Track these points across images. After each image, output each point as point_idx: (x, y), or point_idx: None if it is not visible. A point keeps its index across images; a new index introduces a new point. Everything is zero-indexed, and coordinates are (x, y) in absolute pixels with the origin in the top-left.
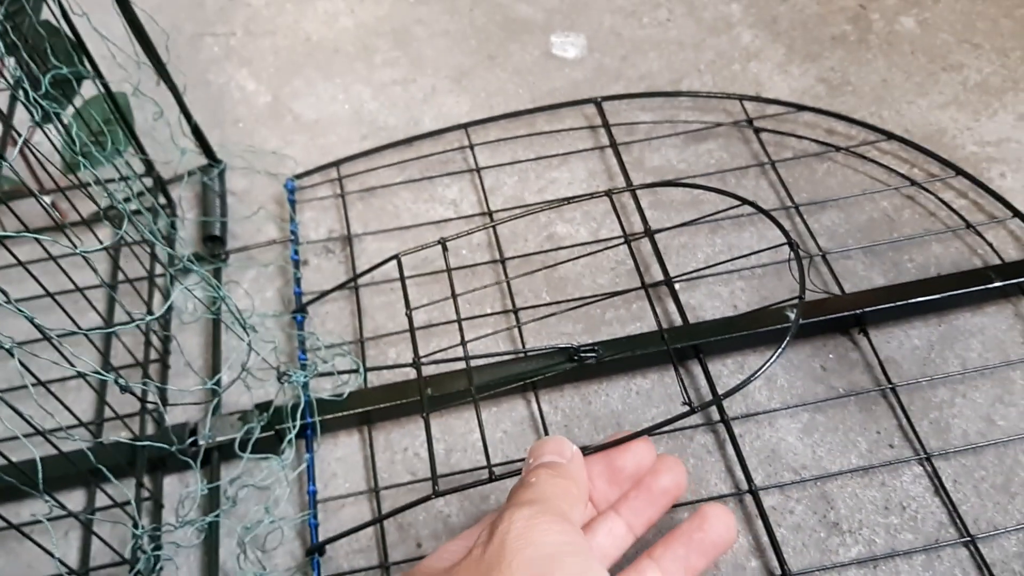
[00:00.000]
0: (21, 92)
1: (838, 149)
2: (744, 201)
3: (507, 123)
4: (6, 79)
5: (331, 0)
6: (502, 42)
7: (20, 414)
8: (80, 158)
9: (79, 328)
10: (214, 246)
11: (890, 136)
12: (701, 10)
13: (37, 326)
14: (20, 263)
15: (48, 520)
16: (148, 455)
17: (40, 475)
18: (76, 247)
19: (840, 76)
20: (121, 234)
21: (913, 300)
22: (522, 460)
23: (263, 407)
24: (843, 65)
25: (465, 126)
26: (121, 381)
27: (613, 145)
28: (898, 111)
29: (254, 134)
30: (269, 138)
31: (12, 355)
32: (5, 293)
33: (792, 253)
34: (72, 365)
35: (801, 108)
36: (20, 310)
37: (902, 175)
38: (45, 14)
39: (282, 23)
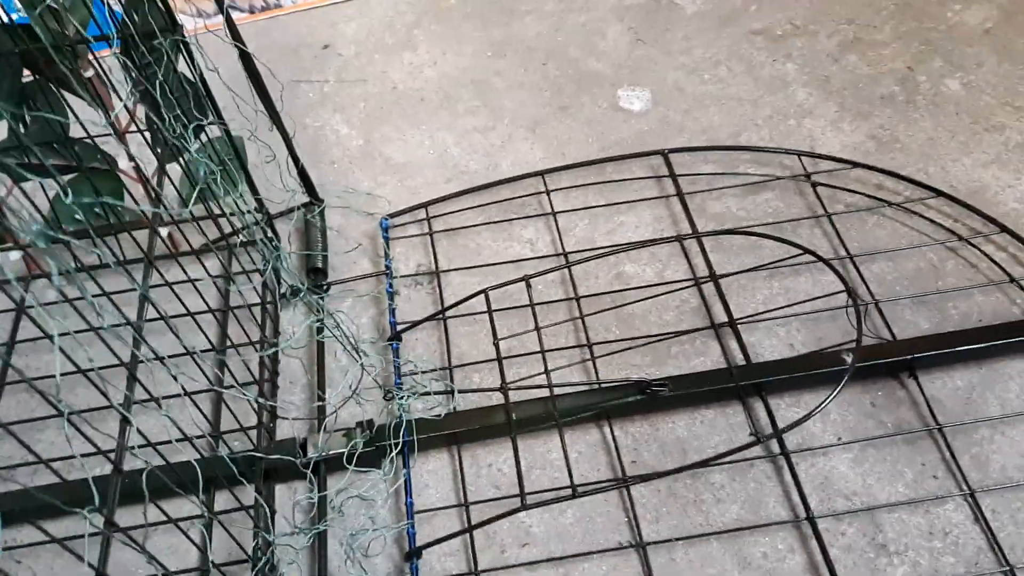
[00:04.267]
0: (155, 136)
1: (889, 204)
2: (805, 250)
3: (579, 170)
4: (135, 123)
5: (416, 52)
6: (573, 94)
7: (176, 425)
8: (217, 189)
9: (215, 348)
10: (317, 277)
11: (937, 193)
12: (758, 69)
13: (187, 349)
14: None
15: (174, 521)
16: (264, 465)
17: (152, 481)
18: (190, 276)
19: (889, 133)
20: (236, 250)
21: (961, 348)
22: (599, 482)
23: (367, 425)
24: (892, 123)
25: (541, 173)
26: (261, 400)
27: (679, 194)
28: (943, 168)
29: (348, 174)
30: (362, 178)
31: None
32: (165, 314)
33: (850, 300)
34: (221, 382)
35: (855, 165)
36: (175, 332)
37: (948, 229)
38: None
39: (371, 72)
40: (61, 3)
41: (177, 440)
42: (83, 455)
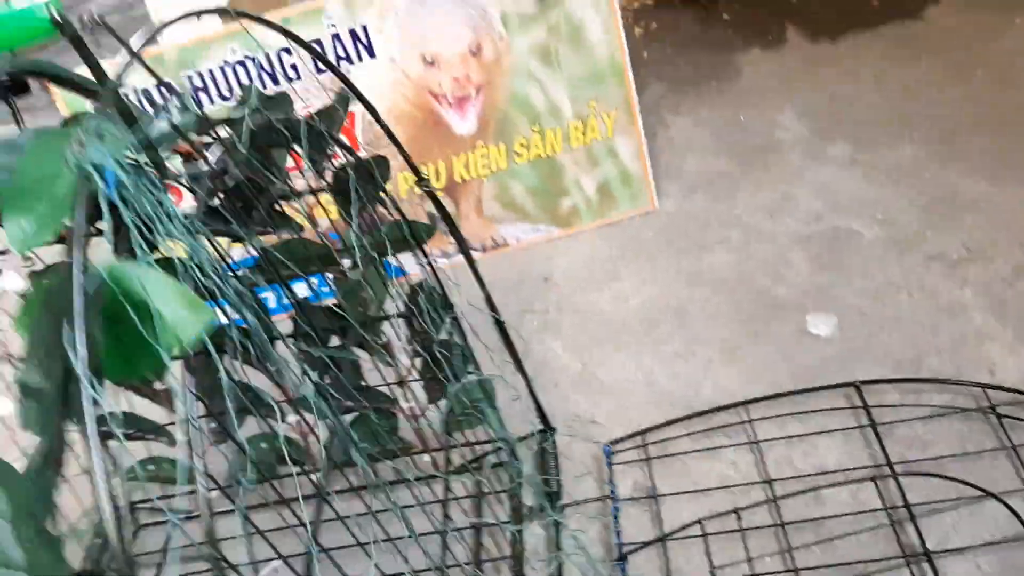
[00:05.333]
0: (427, 383)
1: None
2: (991, 495)
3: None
4: (397, 373)
5: (621, 283)
6: (764, 320)
7: None
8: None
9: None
10: (552, 500)
11: None
12: (937, 295)
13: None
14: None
15: None
16: None
17: None
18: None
19: None
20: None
21: None
22: None
23: None
24: None
25: (744, 403)
26: None
27: (872, 424)
28: None
29: (569, 396)
30: (581, 400)
31: None
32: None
33: None
34: None
35: None
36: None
37: None
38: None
39: (582, 302)
40: (370, 292)
41: None
42: None
